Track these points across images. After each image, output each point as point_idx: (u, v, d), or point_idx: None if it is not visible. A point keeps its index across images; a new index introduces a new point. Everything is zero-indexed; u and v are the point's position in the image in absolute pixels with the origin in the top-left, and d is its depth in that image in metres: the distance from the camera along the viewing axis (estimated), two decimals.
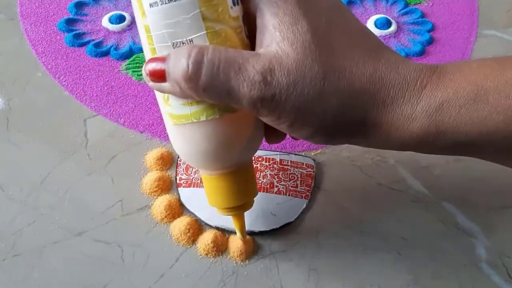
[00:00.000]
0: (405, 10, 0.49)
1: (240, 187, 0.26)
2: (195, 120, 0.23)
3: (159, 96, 0.25)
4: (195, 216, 0.31)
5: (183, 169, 0.33)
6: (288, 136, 0.28)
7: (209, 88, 0.21)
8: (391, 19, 0.46)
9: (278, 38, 0.21)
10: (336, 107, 0.21)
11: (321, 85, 0.21)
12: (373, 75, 0.21)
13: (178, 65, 0.21)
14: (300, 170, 0.33)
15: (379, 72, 0.21)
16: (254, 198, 0.28)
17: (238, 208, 0.27)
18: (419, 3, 0.50)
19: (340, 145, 0.23)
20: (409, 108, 0.21)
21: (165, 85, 0.22)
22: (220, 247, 0.30)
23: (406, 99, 0.21)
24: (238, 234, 0.29)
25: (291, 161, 0.34)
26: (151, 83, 0.23)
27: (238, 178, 0.26)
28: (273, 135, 0.27)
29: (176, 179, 0.33)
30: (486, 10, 0.49)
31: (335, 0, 0.23)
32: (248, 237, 0.30)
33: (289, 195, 0.32)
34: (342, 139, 0.23)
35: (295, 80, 0.21)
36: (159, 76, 0.22)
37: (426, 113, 0.21)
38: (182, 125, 0.24)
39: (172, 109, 0.24)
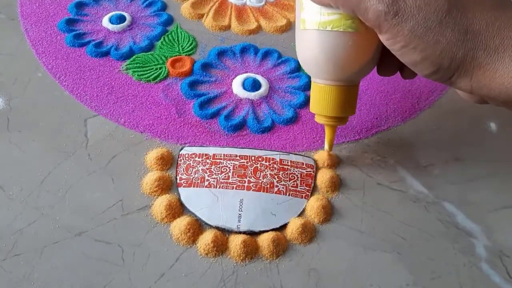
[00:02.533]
0: None
1: (345, 102, 0.30)
2: (322, 28, 0.27)
3: (297, 2, 0.28)
4: (195, 215, 0.31)
5: (183, 169, 0.33)
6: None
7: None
8: None
9: None
10: (450, 41, 0.23)
11: (443, 16, 0.23)
12: (493, 23, 0.23)
13: None
14: (300, 170, 0.33)
15: (499, 22, 0.23)
16: (254, 198, 0.29)
17: (337, 119, 0.31)
18: None
19: (444, 82, 0.25)
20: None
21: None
22: (220, 247, 0.30)
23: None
24: (326, 146, 0.32)
25: (291, 161, 0.34)
26: None
27: (345, 94, 0.30)
28: (384, 67, 0.30)
29: (176, 179, 0.33)
30: None
31: None
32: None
33: (289, 195, 0.32)
34: (446, 75, 0.24)
35: (420, 5, 0.23)
36: None
37: None
38: (309, 31, 0.27)
39: (306, 14, 0.27)
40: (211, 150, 0.34)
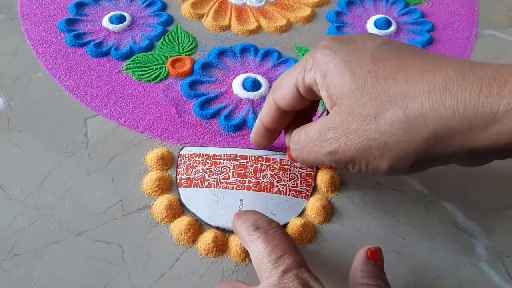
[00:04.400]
0: (405, 10, 0.49)
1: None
2: None
3: None
4: (195, 216, 0.31)
5: (183, 169, 0.33)
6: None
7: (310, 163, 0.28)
8: (391, 19, 0.46)
9: (331, 105, 0.25)
10: (398, 136, 0.22)
11: (377, 124, 0.22)
12: (432, 90, 0.21)
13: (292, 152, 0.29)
14: (300, 170, 0.33)
15: (439, 85, 0.21)
16: (255, 198, 0.31)
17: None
18: (419, 3, 0.50)
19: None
20: (488, 109, 0.19)
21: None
22: (220, 247, 0.30)
23: (481, 101, 0.20)
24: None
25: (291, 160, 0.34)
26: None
27: None
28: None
29: (176, 179, 0.33)
30: (486, 10, 0.49)
31: (383, 39, 0.25)
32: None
33: (289, 195, 0.32)
34: (426, 165, 0.23)
35: (347, 132, 0.23)
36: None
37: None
38: None
39: None
40: (211, 150, 0.34)
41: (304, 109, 0.29)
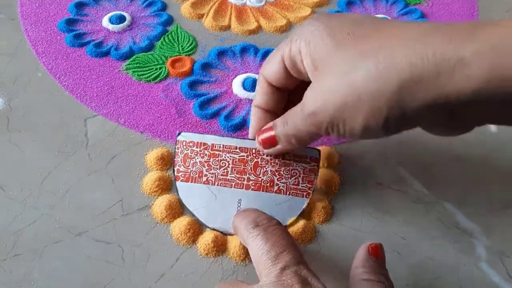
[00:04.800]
0: (404, 10, 0.49)
1: None
2: None
3: None
4: (193, 215, 0.31)
5: (181, 159, 0.32)
6: None
7: (301, 142, 0.27)
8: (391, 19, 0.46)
9: (314, 71, 0.25)
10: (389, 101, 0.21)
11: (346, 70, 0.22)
12: (405, 40, 0.21)
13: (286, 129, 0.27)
14: (303, 164, 0.32)
15: (413, 36, 0.21)
16: (253, 198, 0.30)
17: None
18: (418, 3, 0.50)
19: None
20: (455, 55, 0.19)
21: (278, 147, 0.29)
22: (220, 247, 0.30)
23: (450, 48, 0.19)
24: None
25: (293, 154, 0.33)
26: (265, 151, 0.30)
27: None
28: None
29: (174, 170, 0.32)
30: (486, 10, 0.49)
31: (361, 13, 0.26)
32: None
33: (289, 194, 0.32)
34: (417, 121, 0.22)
35: (324, 90, 0.23)
36: (272, 142, 0.29)
37: (480, 55, 0.19)
38: None
39: None
40: (210, 139, 0.33)
41: (297, 94, 0.28)
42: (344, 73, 0.22)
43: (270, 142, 0.29)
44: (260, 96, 0.30)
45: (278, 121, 0.28)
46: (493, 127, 0.38)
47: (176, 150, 0.32)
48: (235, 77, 0.40)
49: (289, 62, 0.27)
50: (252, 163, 0.32)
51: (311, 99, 0.24)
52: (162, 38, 0.44)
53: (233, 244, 0.30)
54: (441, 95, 0.20)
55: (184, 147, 0.32)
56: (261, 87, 0.30)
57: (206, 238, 0.30)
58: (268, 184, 0.32)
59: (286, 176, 0.32)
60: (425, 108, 0.21)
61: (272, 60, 0.28)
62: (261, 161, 0.32)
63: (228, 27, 0.46)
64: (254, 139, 0.32)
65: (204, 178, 0.32)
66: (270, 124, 0.29)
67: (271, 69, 0.28)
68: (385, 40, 0.22)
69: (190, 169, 0.32)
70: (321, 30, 0.24)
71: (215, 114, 0.37)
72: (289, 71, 0.27)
